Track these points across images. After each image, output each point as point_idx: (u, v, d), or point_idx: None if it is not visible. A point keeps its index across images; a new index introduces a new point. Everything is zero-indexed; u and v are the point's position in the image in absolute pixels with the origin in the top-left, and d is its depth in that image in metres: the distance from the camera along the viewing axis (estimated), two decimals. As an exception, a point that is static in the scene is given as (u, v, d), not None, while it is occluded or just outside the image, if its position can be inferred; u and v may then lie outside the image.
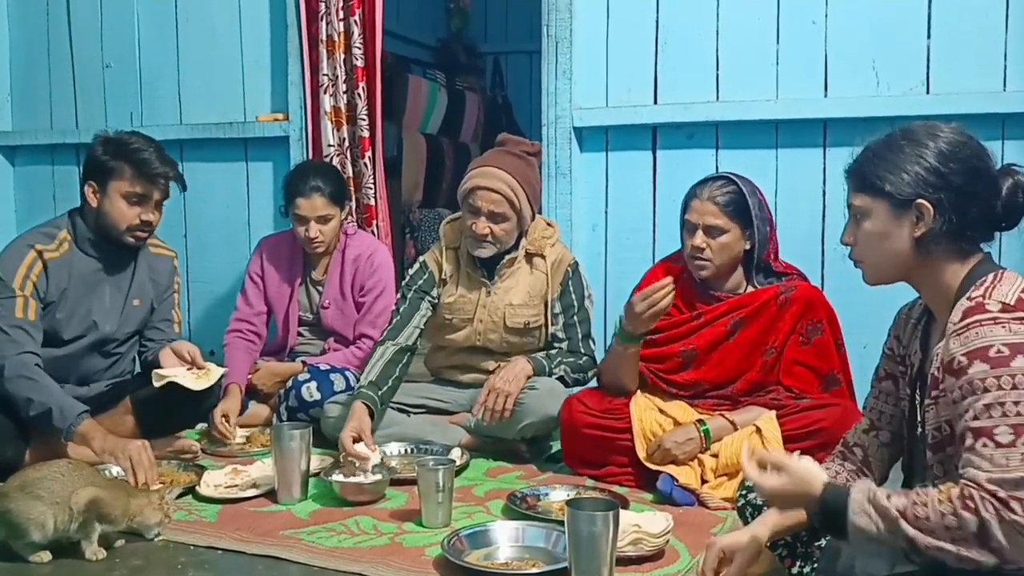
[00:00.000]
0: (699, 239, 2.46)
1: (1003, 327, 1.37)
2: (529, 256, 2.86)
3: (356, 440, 2.46)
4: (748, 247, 2.50)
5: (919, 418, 1.55)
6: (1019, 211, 1.50)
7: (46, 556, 1.96)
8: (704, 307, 2.55)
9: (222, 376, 2.75)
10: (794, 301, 2.47)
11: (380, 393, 2.64)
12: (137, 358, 2.93)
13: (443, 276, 2.89)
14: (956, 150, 1.49)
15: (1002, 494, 1.31)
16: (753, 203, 2.46)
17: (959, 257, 1.51)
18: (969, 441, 1.37)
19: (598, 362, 2.82)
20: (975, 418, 1.36)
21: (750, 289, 2.54)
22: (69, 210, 2.78)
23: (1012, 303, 1.40)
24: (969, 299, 1.43)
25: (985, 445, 1.34)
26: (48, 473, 1.98)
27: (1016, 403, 1.33)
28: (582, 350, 2.81)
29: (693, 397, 2.56)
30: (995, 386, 1.35)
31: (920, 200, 1.48)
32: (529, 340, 2.86)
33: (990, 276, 1.47)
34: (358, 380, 3.03)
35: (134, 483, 2.24)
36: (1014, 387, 1.34)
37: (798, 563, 1.69)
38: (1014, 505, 1.30)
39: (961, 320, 1.41)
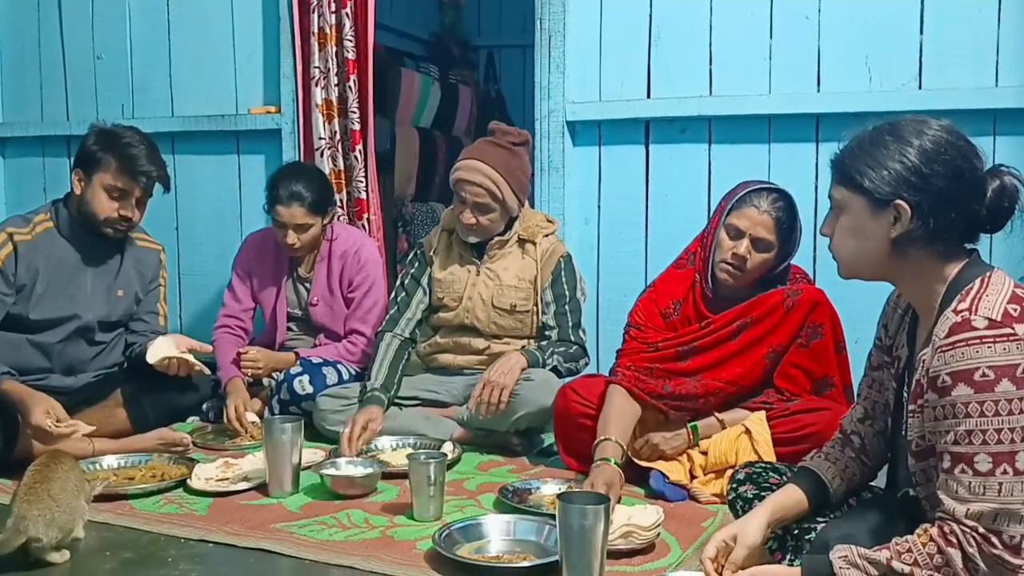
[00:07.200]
0: (743, 248, 2.37)
1: (989, 347, 1.33)
2: (521, 242, 2.91)
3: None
4: (774, 263, 2.44)
5: (903, 419, 1.53)
6: (1004, 214, 1.45)
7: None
8: (713, 315, 2.47)
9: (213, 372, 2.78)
10: (800, 305, 2.40)
11: (389, 395, 2.82)
12: (124, 351, 2.92)
13: (431, 254, 2.98)
14: (941, 150, 1.42)
15: (981, 530, 1.33)
16: (798, 223, 2.41)
17: (940, 260, 1.47)
18: (947, 464, 1.37)
19: (589, 352, 2.89)
20: (955, 442, 1.36)
21: (758, 293, 2.47)
22: (54, 199, 2.80)
23: (999, 318, 1.35)
24: (955, 312, 1.38)
25: (964, 471, 1.35)
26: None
27: (998, 431, 1.33)
28: (572, 339, 2.84)
29: (680, 409, 2.45)
30: (978, 412, 1.33)
31: (898, 201, 1.43)
32: (517, 325, 2.89)
33: (976, 282, 1.42)
34: (351, 374, 3.06)
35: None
36: (996, 413, 1.33)
37: (788, 556, 1.69)
38: (994, 539, 1.33)
39: (947, 336, 1.37)
